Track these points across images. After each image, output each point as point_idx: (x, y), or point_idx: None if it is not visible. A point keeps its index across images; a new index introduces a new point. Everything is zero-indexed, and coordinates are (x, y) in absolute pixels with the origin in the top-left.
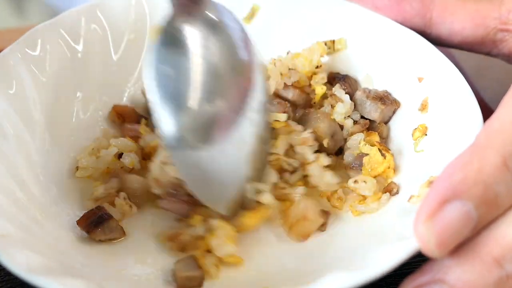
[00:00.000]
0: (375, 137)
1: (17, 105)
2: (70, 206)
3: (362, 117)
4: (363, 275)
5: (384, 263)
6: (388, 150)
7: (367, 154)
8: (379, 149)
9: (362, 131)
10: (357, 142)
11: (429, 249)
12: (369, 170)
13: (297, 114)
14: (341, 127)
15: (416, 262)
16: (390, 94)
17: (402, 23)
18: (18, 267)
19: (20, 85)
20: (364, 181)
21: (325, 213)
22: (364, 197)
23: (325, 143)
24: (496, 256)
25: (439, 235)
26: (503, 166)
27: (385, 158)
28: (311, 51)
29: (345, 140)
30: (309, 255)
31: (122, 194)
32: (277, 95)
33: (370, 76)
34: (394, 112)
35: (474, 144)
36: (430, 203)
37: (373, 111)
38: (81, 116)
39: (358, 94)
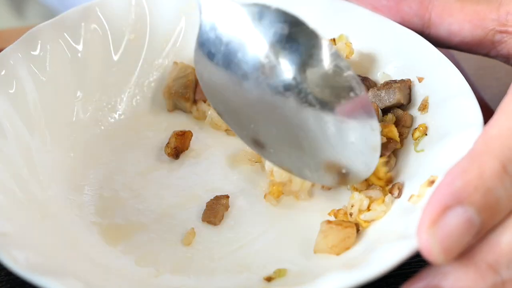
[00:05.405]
0: (392, 130)
1: (17, 105)
2: (70, 206)
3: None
4: (363, 274)
5: (384, 262)
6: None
7: None
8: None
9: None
10: None
11: (434, 256)
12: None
13: None
14: None
15: (417, 262)
16: (394, 80)
17: (400, 24)
18: (18, 266)
19: (20, 85)
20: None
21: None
22: (368, 205)
23: None
24: (491, 262)
25: (443, 241)
26: (503, 172)
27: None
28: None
29: None
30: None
31: None
32: None
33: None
34: (410, 88)
35: (473, 151)
36: (432, 210)
37: (392, 94)
38: (81, 116)
39: (370, 95)
